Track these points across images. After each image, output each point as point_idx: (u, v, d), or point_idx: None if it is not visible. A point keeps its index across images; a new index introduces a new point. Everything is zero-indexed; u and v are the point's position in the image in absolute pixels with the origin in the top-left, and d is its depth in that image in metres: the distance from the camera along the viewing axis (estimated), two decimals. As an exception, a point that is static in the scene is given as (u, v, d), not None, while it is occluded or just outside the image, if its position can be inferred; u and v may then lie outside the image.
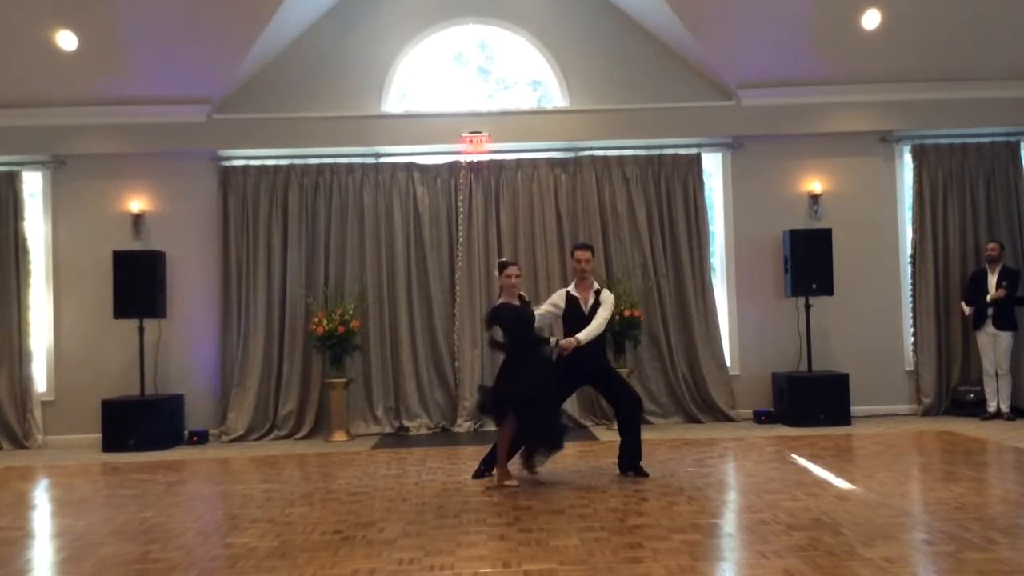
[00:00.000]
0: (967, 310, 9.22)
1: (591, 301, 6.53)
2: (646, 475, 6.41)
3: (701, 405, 9.47)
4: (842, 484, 6.00)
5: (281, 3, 8.57)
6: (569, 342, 6.30)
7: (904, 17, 8.80)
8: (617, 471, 6.57)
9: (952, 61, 9.28)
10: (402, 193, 9.60)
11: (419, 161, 9.66)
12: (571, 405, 9.35)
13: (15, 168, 9.43)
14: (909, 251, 9.73)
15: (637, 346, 9.35)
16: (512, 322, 6.25)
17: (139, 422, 8.77)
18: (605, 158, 9.64)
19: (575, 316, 6.51)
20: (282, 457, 8.15)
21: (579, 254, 6.62)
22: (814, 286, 9.15)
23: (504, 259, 6.66)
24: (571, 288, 6.65)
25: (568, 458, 7.42)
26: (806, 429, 8.65)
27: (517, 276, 6.38)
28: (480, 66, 10.25)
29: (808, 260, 9.16)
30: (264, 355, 9.38)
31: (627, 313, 8.94)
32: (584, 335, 6.30)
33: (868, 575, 3.98)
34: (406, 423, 9.37)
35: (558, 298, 6.69)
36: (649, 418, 9.18)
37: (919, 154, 9.68)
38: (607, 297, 6.61)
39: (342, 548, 4.70)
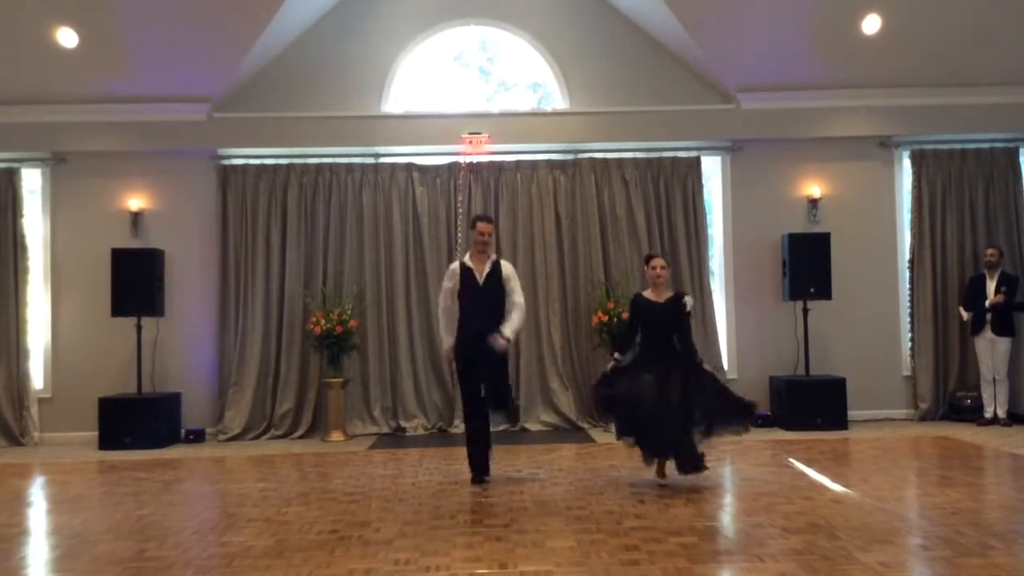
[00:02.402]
0: (965, 315, 9.22)
1: (486, 271, 6.44)
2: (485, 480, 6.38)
3: (698, 408, 9.45)
4: (838, 488, 6.00)
5: (282, 2, 8.56)
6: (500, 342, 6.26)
7: (904, 22, 8.80)
8: (614, 472, 6.59)
9: (952, 66, 9.29)
10: (401, 193, 9.60)
11: (418, 161, 9.65)
12: (568, 407, 9.36)
13: (14, 165, 9.42)
14: (907, 256, 9.73)
15: (635, 348, 9.35)
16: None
17: (136, 420, 8.75)
18: (604, 160, 9.64)
19: (469, 287, 6.41)
20: (279, 456, 8.14)
21: (481, 226, 6.45)
22: (812, 290, 9.15)
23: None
24: (465, 259, 6.54)
25: (565, 460, 7.43)
26: (803, 433, 8.64)
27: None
28: (480, 67, 10.25)
29: (806, 264, 9.16)
30: (262, 354, 9.37)
31: (626, 316, 8.90)
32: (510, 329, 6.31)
33: (864, 579, 3.98)
34: (403, 423, 9.36)
35: (453, 272, 6.53)
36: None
37: (918, 159, 9.69)
38: (510, 271, 6.52)
39: (338, 548, 4.69)
